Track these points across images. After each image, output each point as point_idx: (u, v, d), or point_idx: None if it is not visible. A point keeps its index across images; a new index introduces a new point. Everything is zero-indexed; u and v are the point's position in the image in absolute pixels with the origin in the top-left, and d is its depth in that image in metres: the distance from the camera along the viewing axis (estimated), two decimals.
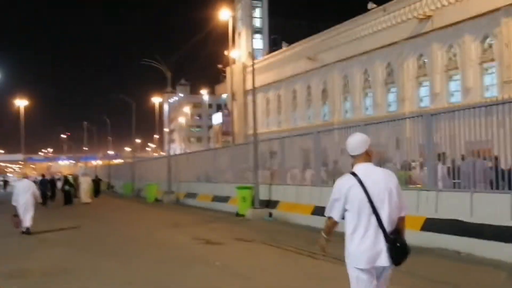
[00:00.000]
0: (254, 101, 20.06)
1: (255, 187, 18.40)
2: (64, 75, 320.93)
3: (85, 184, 30.64)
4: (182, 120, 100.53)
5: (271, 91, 52.26)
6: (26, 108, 69.78)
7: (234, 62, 54.90)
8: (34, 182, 21.33)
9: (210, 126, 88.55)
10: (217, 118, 71.63)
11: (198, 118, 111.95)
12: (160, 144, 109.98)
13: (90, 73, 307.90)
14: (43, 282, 8.73)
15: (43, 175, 32.98)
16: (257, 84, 52.25)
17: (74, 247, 12.65)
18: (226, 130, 56.57)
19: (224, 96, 78.12)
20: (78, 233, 15.74)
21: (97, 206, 27.69)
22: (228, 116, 56.96)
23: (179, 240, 13.24)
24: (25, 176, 16.55)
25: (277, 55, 51.56)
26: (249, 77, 55.13)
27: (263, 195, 18.46)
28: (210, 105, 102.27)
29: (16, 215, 14.84)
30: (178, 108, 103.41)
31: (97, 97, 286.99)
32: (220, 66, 55.94)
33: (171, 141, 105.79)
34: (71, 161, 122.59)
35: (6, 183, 61.29)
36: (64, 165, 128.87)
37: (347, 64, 40.15)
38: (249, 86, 55.04)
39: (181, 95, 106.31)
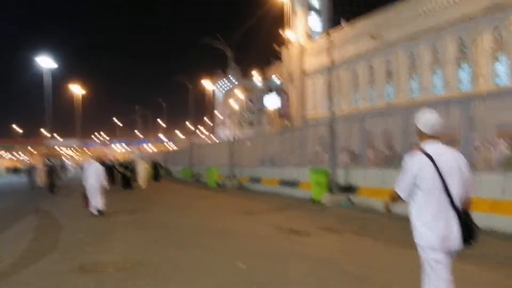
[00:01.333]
0: (330, 79, 18.58)
1: (331, 170, 16.95)
2: (116, 60, 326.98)
3: (142, 169, 30.38)
4: (233, 104, 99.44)
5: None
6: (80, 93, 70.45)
7: (290, 43, 53.24)
8: None
9: (260, 109, 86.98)
10: (268, 100, 69.91)
11: (249, 102, 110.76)
12: (212, 128, 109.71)
13: (141, 57, 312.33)
14: (120, 279, 7.49)
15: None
16: (315, 65, 50.86)
17: (144, 236, 11.60)
18: (284, 113, 55.03)
19: (274, 77, 76.44)
20: (146, 220, 14.80)
21: (159, 191, 26.98)
22: (285, 98, 55.36)
23: (260, 230, 11.97)
24: (96, 159, 17.02)
25: (337, 34, 49.41)
26: (306, 59, 53.50)
27: (339, 179, 17.03)
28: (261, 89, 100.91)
29: (85, 195, 15.54)
30: (230, 92, 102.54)
31: (150, 81, 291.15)
32: (275, 45, 54.41)
33: (222, 125, 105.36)
34: (124, 146, 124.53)
35: (63, 168, 60.00)
36: (118, 150, 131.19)
37: (413, 41, 37.89)
38: (307, 67, 53.41)
39: (232, 78, 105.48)
